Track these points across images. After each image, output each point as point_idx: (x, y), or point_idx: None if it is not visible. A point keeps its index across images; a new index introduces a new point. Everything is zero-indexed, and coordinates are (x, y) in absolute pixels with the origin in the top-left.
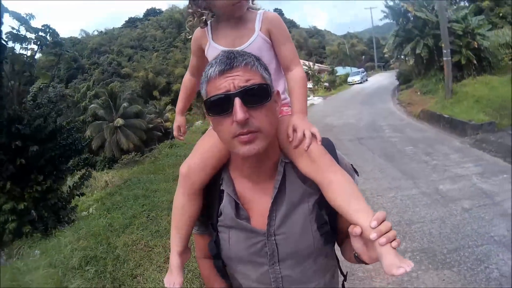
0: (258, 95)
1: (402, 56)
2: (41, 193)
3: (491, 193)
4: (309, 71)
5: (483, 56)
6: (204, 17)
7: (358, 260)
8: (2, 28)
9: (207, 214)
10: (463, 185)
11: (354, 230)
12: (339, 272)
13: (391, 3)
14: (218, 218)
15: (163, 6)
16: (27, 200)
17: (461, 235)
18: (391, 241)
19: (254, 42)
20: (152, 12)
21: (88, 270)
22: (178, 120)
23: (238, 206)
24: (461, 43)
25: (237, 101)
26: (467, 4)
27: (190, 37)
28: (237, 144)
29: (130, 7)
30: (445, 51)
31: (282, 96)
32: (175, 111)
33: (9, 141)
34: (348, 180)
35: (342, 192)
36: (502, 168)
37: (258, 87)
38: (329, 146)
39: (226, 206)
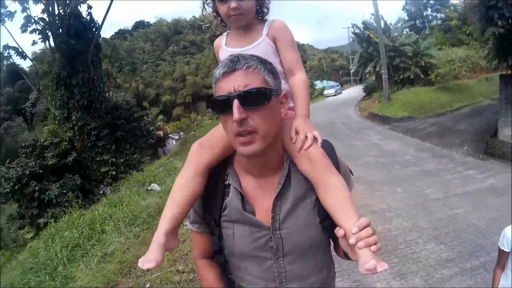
0: (256, 98)
1: (366, 73)
2: (127, 155)
3: (380, 145)
4: None
5: (431, 71)
6: (216, 21)
7: (346, 256)
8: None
9: (208, 209)
10: (368, 142)
11: (338, 232)
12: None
13: (357, 31)
14: (222, 213)
15: (151, 19)
16: (119, 160)
17: (351, 156)
18: (371, 245)
19: (259, 45)
20: (140, 25)
21: None
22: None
23: (244, 200)
24: (410, 62)
25: (235, 103)
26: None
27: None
28: (237, 144)
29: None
30: (383, 71)
31: None
32: (165, 120)
33: (113, 121)
34: (341, 184)
35: (334, 195)
36: (398, 138)
37: (256, 91)
38: (329, 147)
39: (232, 199)
